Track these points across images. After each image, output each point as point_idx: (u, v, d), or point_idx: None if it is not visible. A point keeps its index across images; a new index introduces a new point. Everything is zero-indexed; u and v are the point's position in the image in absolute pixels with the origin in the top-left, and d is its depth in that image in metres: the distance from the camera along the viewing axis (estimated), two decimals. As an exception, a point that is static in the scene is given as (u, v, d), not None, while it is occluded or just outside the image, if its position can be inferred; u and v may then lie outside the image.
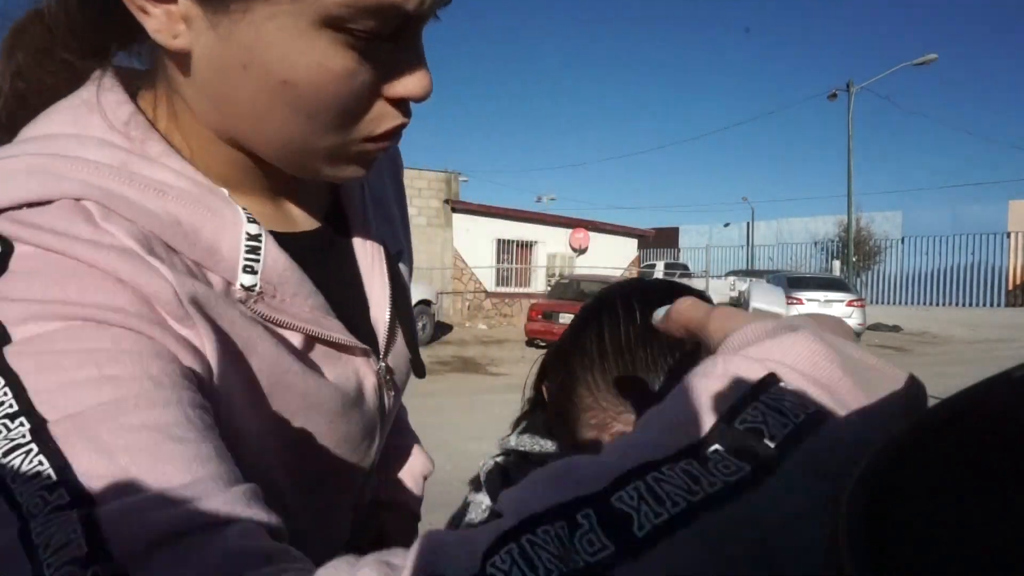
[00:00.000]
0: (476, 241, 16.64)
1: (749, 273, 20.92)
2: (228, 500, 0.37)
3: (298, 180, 0.57)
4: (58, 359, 0.38)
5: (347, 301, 0.58)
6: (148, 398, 0.38)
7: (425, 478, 0.86)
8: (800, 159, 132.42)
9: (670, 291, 0.64)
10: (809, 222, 27.97)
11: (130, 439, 0.36)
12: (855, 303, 14.69)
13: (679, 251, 29.26)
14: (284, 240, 0.53)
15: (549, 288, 15.11)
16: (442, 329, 13.61)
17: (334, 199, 0.63)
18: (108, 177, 0.45)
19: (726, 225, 30.70)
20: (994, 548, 0.17)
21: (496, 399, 6.69)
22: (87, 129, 0.47)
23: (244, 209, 0.50)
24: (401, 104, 0.48)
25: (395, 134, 0.50)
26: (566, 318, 10.54)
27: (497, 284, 17.31)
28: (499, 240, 17.31)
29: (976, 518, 0.18)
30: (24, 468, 0.34)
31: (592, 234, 19.16)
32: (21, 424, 0.35)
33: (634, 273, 19.54)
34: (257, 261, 0.50)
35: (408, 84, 0.47)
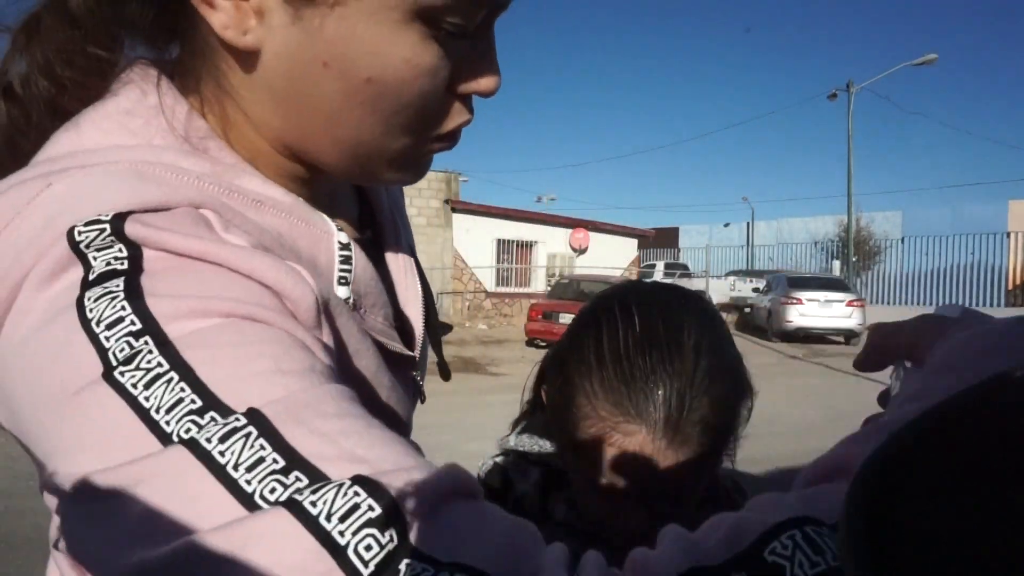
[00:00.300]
0: (476, 241, 16.64)
1: (749, 273, 20.91)
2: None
3: (337, 189, 0.55)
4: (230, 352, 0.35)
5: None
6: (328, 391, 0.36)
7: None
8: (800, 159, 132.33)
9: (669, 295, 0.64)
10: (809, 222, 27.93)
11: (339, 425, 0.34)
12: (855, 303, 14.68)
13: (679, 251, 29.23)
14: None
15: (549, 288, 15.11)
16: (442, 329, 13.58)
17: (360, 207, 0.61)
18: (212, 187, 0.43)
19: (726, 225, 30.67)
20: (994, 548, 0.17)
21: (496, 399, 6.67)
22: (158, 137, 0.44)
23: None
24: (468, 100, 0.47)
25: (459, 133, 0.48)
26: (566, 318, 10.53)
27: (497, 284, 17.31)
28: (499, 240, 17.31)
29: (976, 518, 0.18)
30: (245, 455, 0.32)
31: (592, 234, 19.15)
32: (213, 419, 0.33)
33: (634, 273, 19.52)
34: (349, 272, 0.48)
35: (481, 80, 0.45)
